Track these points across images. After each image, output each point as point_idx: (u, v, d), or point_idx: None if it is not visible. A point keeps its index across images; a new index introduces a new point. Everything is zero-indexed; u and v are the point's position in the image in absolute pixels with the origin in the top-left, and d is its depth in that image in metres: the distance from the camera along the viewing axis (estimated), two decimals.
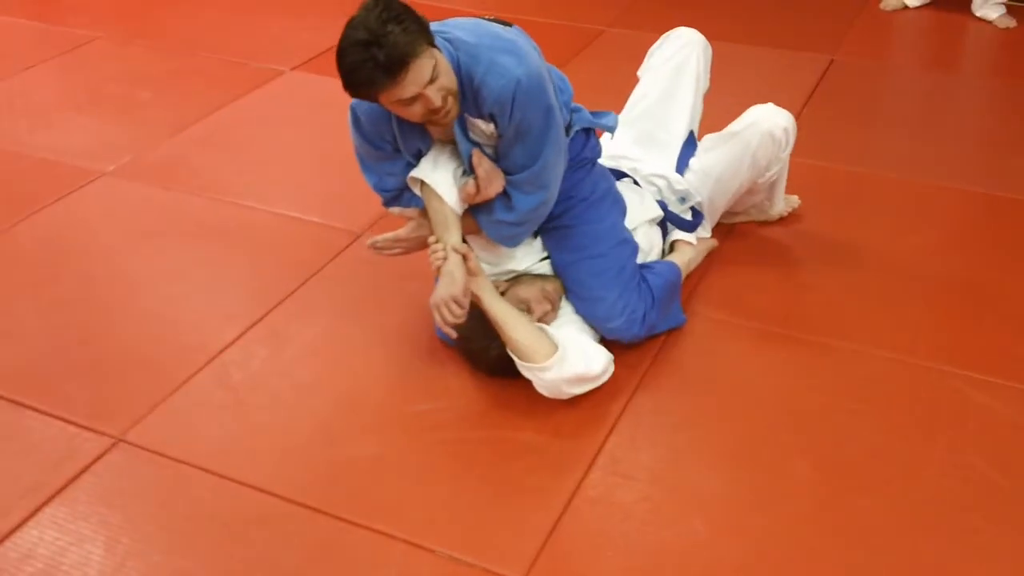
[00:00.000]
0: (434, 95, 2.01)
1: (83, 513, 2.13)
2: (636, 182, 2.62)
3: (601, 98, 2.93)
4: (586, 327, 2.41)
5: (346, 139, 3.22)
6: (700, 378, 2.42)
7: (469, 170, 2.23)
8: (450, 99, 2.05)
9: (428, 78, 1.98)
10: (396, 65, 1.93)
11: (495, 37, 2.11)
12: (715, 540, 2.01)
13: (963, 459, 2.16)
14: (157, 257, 2.97)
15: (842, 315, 2.59)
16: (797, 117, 3.47)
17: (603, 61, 4.08)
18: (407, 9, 1.98)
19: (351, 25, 1.96)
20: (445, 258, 2.21)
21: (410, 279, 2.75)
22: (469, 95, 2.09)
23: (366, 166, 2.35)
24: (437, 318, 2.23)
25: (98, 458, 2.26)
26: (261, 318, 2.68)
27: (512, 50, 2.08)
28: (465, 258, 2.22)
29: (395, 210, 2.38)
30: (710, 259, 2.78)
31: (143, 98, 3.94)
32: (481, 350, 2.33)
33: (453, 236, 2.23)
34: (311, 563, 2.00)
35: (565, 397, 2.27)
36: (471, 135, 2.18)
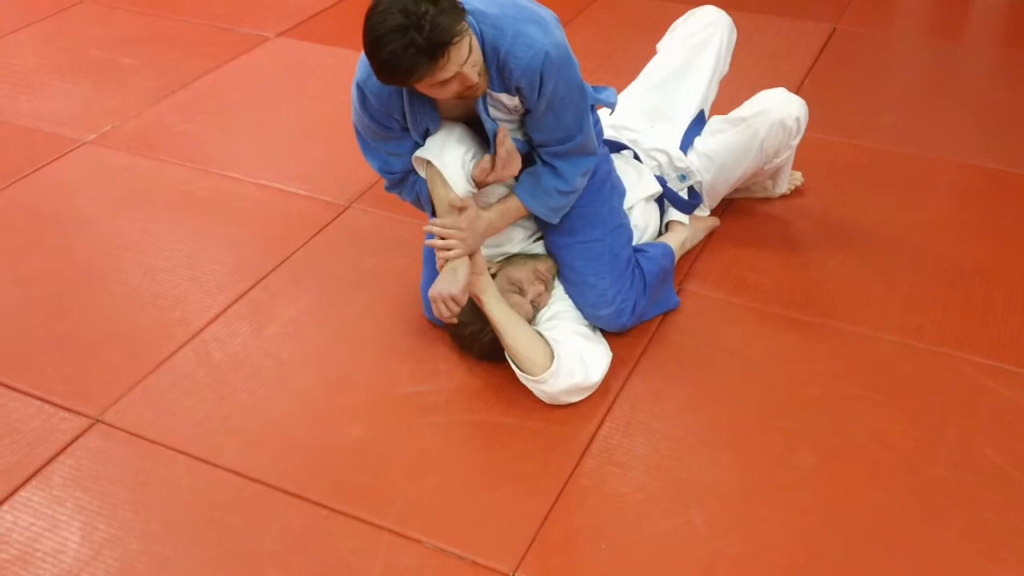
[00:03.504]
0: (470, 72, 1.91)
1: (59, 497, 2.06)
2: (636, 155, 2.52)
3: (597, 66, 2.85)
4: (580, 316, 2.32)
5: (333, 108, 3.12)
6: (698, 361, 2.34)
7: (491, 147, 2.13)
8: (482, 73, 1.97)
9: (466, 56, 1.88)
10: (438, 49, 1.82)
11: (516, 7, 2.01)
12: (713, 533, 1.93)
13: (974, 449, 2.09)
14: (138, 229, 2.87)
15: (846, 296, 2.51)
16: (799, 88, 3.39)
17: (598, 28, 3.97)
18: None
19: (381, 9, 1.82)
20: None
21: (397, 255, 2.67)
22: (494, 69, 1.99)
23: (369, 149, 2.23)
24: (435, 310, 2.15)
25: (75, 439, 2.19)
26: (244, 293, 2.59)
27: (536, 19, 2.00)
28: (470, 254, 2.14)
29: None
30: (708, 236, 2.70)
31: (126, 64, 3.82)
32: (474, 334, 2.25)
33: None
34: (292, 552, 1.92)
35: (563, 403, 2.19)
36: (491, 111, 2.08)
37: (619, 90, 2.59)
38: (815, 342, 2.38)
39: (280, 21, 4.06)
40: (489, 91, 2.03)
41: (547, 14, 2.04)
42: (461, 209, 2.12)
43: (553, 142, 2.12)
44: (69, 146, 3.28)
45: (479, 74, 1.95)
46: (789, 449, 2.10)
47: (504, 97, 2.04)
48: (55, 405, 2.27)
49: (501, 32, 1.95)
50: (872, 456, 2.08)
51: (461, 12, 1.87)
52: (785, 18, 3.97)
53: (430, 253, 2.33)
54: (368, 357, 2.39)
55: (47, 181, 3.12)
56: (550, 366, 2.12)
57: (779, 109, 2.49)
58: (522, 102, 2.05)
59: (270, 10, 4.18)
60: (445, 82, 1.90)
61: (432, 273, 2.27)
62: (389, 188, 2.33)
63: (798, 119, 2.50)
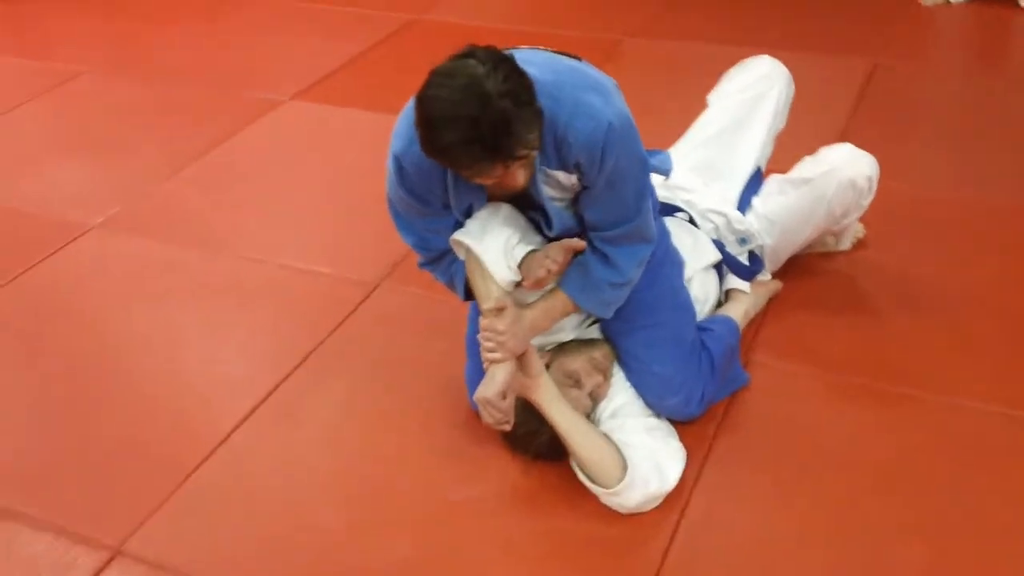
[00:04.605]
0: (519, 174, 1.73)
1: None
2: (691, 218, 2.32)
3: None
4: (645, 406, 2.11)
5: (355, 175, 2.92)
6: (775, 444, 2.12)
7: (545, 226, 1.93)
8: (529, 167, 1.77)
9: (523, 161, 1.69)
10: (504, 154, 1.62)
11: (574, 72, 1.81)
12: None
13: None
14: (152, 324, 2.67)
15: (925, 360, 2.29)
16: (845, 130, 3.18)
17: (624, 74, 3.73)
18: (523, 77, 1.64)
19: (451, 84, 1.61)
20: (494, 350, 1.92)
21: (436, 339, 2.45)
22: (551, 143, 1.77)
23: (403, 223, 2.01)
24: (482, 416, 1.95)
25: None
26: (272, 391, 2.38)
27: (596, 87, 1.79)
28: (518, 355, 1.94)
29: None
30: (771, 300, 2.48)
31: (132, 138, 3.64)
32: (528, 435, 2.03)
33: None
34: None
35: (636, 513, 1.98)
36: (544, 188, 1.87)
37: (662, 145, 2.38)
38: (899, 414, 2.16)
39: (293, 83, 3.87)
40: (544, 168, 1.83)
41: (607, 80, 1.84)
42: (499, 310, 1.91)
43: (608, 223, 1.89)
44: (75, 232, 3.08)
45: (528, 172, 1.75)
46: (894, 539, 1.87)
47: (561, 175, 1.83)
48: (71, 535, 2.06)
49: (559, 103, 1.73)
50: (989, 547, 1.85)
51: (540, 115, 1.66)
52: (822, 55, 3.72)
53: (474, 340, 2.13)
54: (411, 458, 2.17)
55: (52, 274, 2.92)
56: (623, 477, 1.91)
57: (848, 168, 2.29)
58: (580, 179, 1.84)
59: (281, 72, 3.99)
60: (492, 177, 1.70)
61: (477, 362, 2.06)
62: (422, 265, 2.12)
63: (870, 178, 2.30)
